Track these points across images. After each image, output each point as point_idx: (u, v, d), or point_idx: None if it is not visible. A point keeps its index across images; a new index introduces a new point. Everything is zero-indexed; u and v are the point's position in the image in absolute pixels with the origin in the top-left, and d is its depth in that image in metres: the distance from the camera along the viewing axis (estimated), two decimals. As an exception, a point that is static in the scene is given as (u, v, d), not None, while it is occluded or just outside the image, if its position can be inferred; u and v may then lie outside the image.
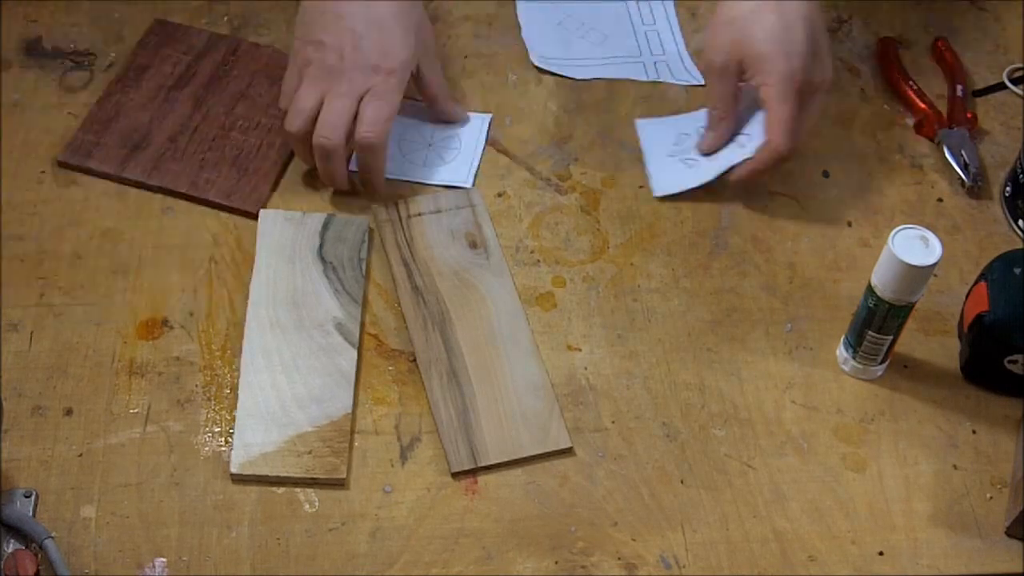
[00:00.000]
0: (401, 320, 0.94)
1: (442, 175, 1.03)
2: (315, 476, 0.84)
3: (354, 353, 0.91)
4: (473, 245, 0.98)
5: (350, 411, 0.88)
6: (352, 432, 0.88)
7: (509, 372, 0.91)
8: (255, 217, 0.99)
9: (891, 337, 0.89)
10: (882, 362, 0.92)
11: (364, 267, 0.96)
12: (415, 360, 0.92)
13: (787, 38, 0.97)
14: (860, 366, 0.92)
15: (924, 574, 0.84)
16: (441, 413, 0.89)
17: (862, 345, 0.90)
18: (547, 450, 0.88)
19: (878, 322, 0.88)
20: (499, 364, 0.91)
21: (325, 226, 0.97)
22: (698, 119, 1.06)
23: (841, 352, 0.93)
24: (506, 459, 0.87)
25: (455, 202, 1.00)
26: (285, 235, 0.96)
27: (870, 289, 0.87)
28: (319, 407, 0.88)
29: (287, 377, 0.89)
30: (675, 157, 1.04)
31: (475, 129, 1.06)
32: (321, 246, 0.96)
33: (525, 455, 0.87)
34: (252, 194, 1.01)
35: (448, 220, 0.99)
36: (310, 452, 0.86)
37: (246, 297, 0.94)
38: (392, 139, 1.01)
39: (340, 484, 0.83)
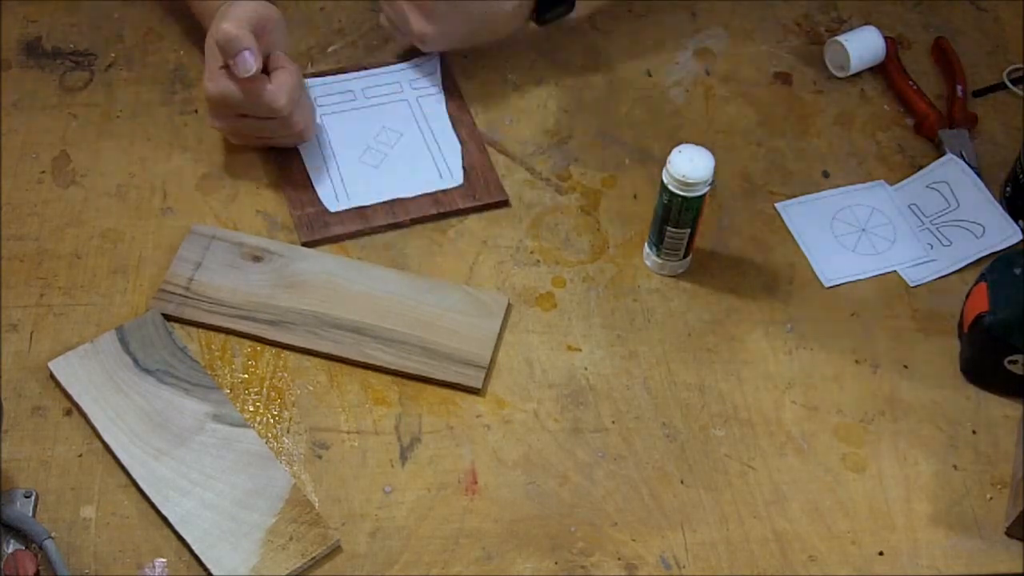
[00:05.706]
0: (301, 357, 0.92)
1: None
2: (314, 555, 0.81)
3: (249, 431, 0.86)
4: (257, 259, 0.95)
5: (293, 481, 0.85)
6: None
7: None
8: (508, 205, 1.01)
9: (688, 230, 0.94)
10: (683, 257, 0.97)
11: (190, 353, 0.90)
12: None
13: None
14: (661, 261, 0.97)
15: (924, 574, 0.84)
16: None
17: (664, 241, 0.95)
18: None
19: (675, 217, 0.93)
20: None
21: (123, 341, 0.90)
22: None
23: (646, 250, 0.98)
24: None
25: (199, 246, 0.96)
26: (92, 371, 0.88)
27: (663, 187, 0.92)
28: (264, 498, 0.83)
29: (213, 492, 0.83)
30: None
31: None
32: (135, 361, 0.89)
33: None
34: (490, 185, 1.02)
35: (212, 262, 0.95)
36: (291, 539, 0.82)
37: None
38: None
39: (339, 549, 0.83)
